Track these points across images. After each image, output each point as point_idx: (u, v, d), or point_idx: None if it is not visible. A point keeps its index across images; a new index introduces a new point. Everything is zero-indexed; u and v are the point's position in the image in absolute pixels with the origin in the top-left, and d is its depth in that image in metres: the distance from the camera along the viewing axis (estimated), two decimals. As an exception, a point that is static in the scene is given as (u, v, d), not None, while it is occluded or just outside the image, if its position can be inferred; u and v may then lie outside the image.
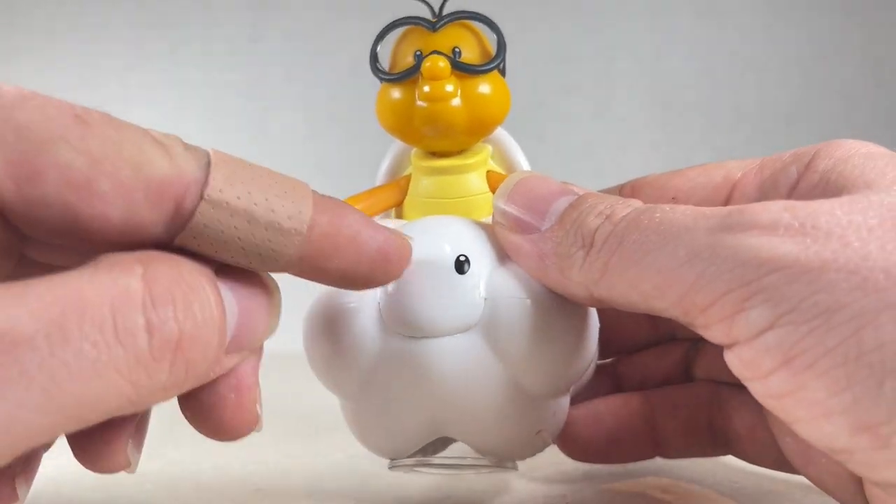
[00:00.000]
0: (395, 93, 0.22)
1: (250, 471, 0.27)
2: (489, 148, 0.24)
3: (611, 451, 0.25)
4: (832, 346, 0.14)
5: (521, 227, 0.20)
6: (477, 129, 0.22)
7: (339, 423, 0.33)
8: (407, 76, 0.22)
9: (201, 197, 0.16)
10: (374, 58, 0.23)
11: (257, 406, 0.18)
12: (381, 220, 0.23)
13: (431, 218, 0.22)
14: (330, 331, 0.21)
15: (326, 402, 0.34)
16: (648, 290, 0.17)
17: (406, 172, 0.24)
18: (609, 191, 0.23)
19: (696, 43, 0.59)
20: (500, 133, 0.24)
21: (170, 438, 0.31)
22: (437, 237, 0.20)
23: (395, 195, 0.24)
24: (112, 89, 0.59)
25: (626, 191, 0.23)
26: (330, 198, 0.19)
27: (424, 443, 0.21)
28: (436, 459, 0.23)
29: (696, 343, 0.26)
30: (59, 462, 0.29)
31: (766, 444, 0.23)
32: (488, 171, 0.23)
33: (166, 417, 0.31)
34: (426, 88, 0.21)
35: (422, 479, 0.26)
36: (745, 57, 0.58)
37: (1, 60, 0.59)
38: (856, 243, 0.15)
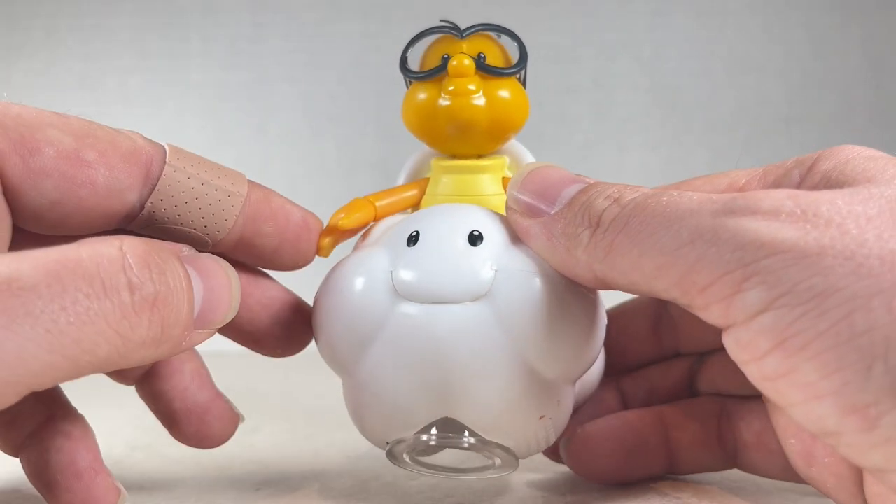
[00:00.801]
0: (421, 94, 0.23)
1: (250, 471, 0.27)
2: (506, 158, 0.25)
3: (625, 468, 0.25)
4: (824, 329, 0.15)
5: (533, 211, 0.20)
6: (496, 132, 0.24)
7: (340, 424, 0.33)
8: (434, 74, 0.23)
9: (165, 163, 0.21)
10: (403, 59, 0.24)
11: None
12: (397, 217, 0.24)
13: (447, 204, 0.23)
14: (339, 297, 0.21)
15: (326, 402, 0.34)
16: (650, 269, 0.17)
17: (425, 177, 0.25)
18: None
19: (696, 43, 0.59)
20: (517, 145, 0.25)
21: (170, 438, 0.31)
22: (452, 213, 0.21)
23: (414, 195, 0.25)
24: (112, 89, 0.59)
25: None
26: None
27: (425, 423, 0.21)
28: (433, 461, 0.23)
29: (700, 358, 0.26)
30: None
31: (774, 451, 0.23)
32: (504, 178, 0.24)
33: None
34: (451, 87, 0.22)
35: (422, 480, 0.26)
36: (745, 57, 0.58)
37: (1, 60, 0.59)
38: (854, 231, 0.15)
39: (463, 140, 0.24)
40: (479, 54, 0.23)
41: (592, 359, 0.22)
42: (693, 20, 0.59)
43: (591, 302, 0.21)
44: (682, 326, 0.26)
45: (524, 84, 0.24)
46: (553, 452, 0.26)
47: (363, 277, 0.21)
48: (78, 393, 0.27)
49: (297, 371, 0.50)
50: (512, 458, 0.21)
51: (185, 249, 0.19)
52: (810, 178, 0.20)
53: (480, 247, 0.20)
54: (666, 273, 0.17)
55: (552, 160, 0.25)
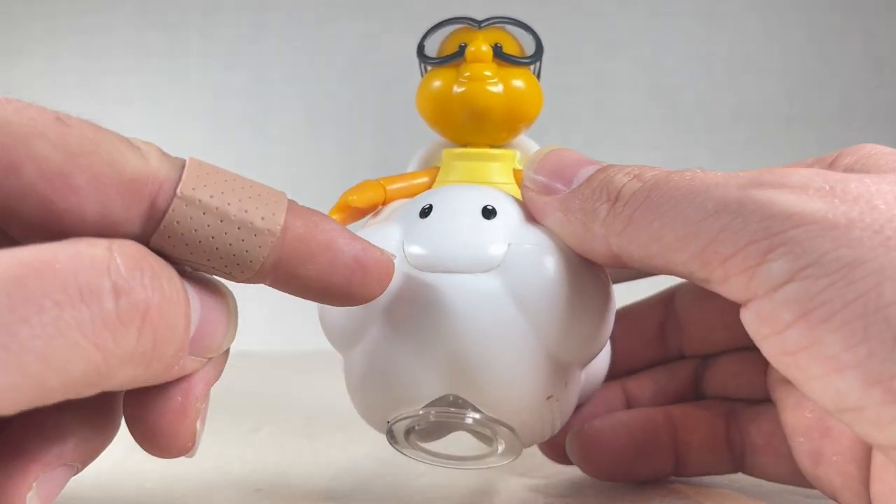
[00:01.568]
0: (437, 81, 0.23)
1: (250, 471, 0.27)
2: (517, 152, 0.25)
3: (634, 466, 0.24)
4: (851, 300, 0.15)
5: (549, 190, 0.20)
6: (510, 122, 0.23)
7: (340, 424, 0.33)
8: (451, 59, 0.23)
9: (175, 194, 0.16)
10: (421, 47, 0.24)
11: (198, 424, 0.18)
12: (402, 203, 0.23)
13: (461, 184, 0.23)
14: None
15: (327, 402, 0.34)
16: (671, 241, 0.17)
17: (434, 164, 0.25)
18: None
19: (696, 43, 0.59)
20: (527, 141, 0.25)
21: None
22: (466, 189, 0.22)
23: (425, 182, 0.24)
24: (112, 89, 0.59)
25: None
26: (307, 207, 0.18)
27: (428, 399, 0.20)
28: (434, 449, 0.22)
29: (705, 361, 0.26)
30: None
31: (783, 454, 0.23)
32: (515, 169, 0.24)
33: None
34: (467, 73, 0.22)
35: (422, 481, 0.26)
36: (745, 57, 0.58)
37: (1, 60, 0.59)
38: (882, 207, 0.15)
39: (476, 127, 0.23)
40: (496, 43, 0.23)
41: (603, 341, 0.22)
42: (693, 20, 0.59)
43: (603, 283, 0.21)
44: (687, 328, 0.26)
45: (538, 77, 0.24)
46: (556, 453, 0.26)
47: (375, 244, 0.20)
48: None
49: (297, 371, 0.50)
50: (515, 442, 0.21)
51: (182, 267, 0.16)
52: (834, 169, 0.19)
53: (494, 220, 0.20)
54: (687, 244, 0.17)
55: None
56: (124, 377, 0.15)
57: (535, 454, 0.28)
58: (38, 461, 0.17)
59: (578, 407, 0.23)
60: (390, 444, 0.21)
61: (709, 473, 0.25)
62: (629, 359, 0.27)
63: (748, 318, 0.16)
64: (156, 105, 0.59)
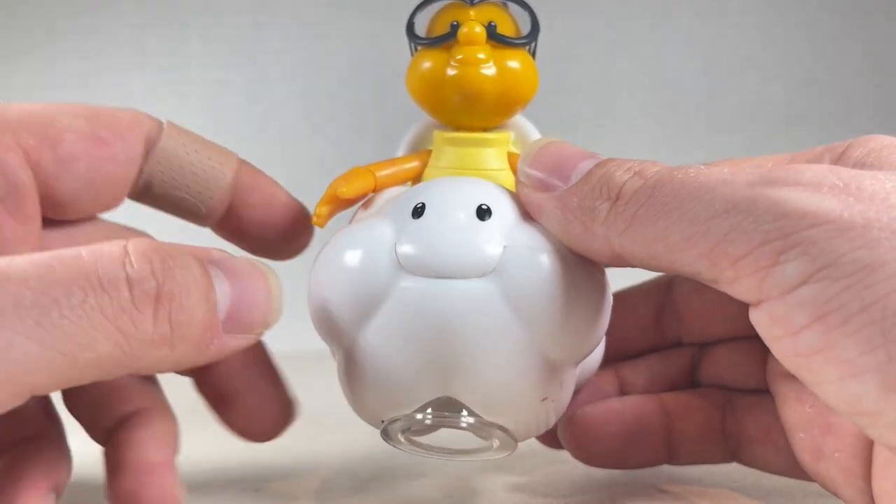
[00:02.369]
0: (427, 62, 0.22)
1: (250, 471, 0.27)
2: (511, 133, 0.24)
3: (626, 453, 0.24)
4: (869, 303, 0.14)
5: (545, 186, 0.20)
6: (504, 104, 0.22)
7: (340, 424, 0.33)
8: (442, 41, 0.22)
9: (161, 129, 0.23)
10: (410, 25, 0.23)
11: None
12: (398, 189, 0.23)
13: (454, 177, 0.22)
14: (338, 268, 0.20)
15: (327, 402, 0.34)
16: (677, 241, 0.17)
17: (427, 148, 0.24)
18: None
19: (696, 43, 0.59)
20: (522, 120, 0.24)
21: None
22: (460, 185, 0.21)
23: (416, 167, 0.24)
24: (112, 89, 0.59)
25: None
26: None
27: (423, 401, 0.20)
28: (429, 442, 0.22)
29: (702, 348, 0.26)
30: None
31: (780, 447, 0.23)
32: (509, 153, 0.23)
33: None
34: (460, 56, 0.21)
35: (421, 481, 0.26)
36: (745, 57, 0.58)
37: (1, 60, 0.59)
38: None
39: (469, 111, 0.22)
40: (489, 22, 0.22)
41: (598, 340, 0.21)
42: (693, 20, 0.59)
43: (599, 282, 0.21)
44: (685, 315, 0.26)
45: (534, 56, 0.23)
46: (548, 439, 0.25)
47: (365, 248, 0.20)
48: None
49: (297, 371, 0.50)
50: (510, 440, 0.21)
51: (217, 254, 0.18)
52: (842, 164, 0.19)
53: (489, 221, 0.20)
54: (694, 244, 0.16)
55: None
56: (151, 359, 0.16)
57: (534, 454, 0.28)
58: (36, 486, 0.20)
59: (573, 393, 0.23)
60: (385, 440, 0.21)
61: (702, 462, 0.25)
62: (624, 344, 0.26)
63: (759, 318, 0.16)
64: (156, 105, 0.59)
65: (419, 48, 0.23)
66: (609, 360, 0.26)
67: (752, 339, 0.19)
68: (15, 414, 0.20)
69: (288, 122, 0.59)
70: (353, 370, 0.21)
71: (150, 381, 0.24)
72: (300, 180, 0.66)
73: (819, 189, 0.15)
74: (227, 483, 0.26)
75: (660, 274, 0.26)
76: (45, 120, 0.21)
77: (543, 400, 0.21)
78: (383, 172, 0.23)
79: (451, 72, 0.22)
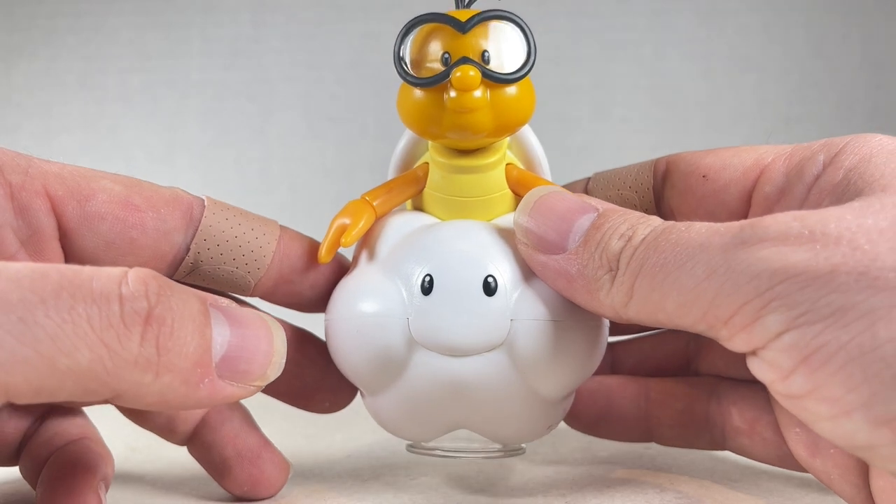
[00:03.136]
0: (419, 92, 0.22)
1: (250, 471, 0.27)
2: (506, 140, 0.23)
3: (599, 427, 0.26)
4: (846, 342, 0.15)
5: (545, 246, 0.20)
6: (503, 132, 0.22)
7: (340, 424, 0.33)
8: (436, 83, 0.21)
9: (204, 205, 0.23)
10: (399, 59, 0.22)
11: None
12: (400, 212, 0.24)
13: (456, 227, 0.22)
14: (357, 337, 0.22)
15: (326, 402, 0.33)
16: (673, 309, 0.18)
17: (422, 159, 0.24)
18: (643, 164, 0.25)
19: (696, 43, 0.59)
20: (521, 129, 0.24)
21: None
22: (463, 255, 0.21)
23: (413, 186, 0.24)
24: (112, 89, 0.59)
25: (660, 165, 0.25)
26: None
27: (443, 434, 0.23)
28: (449, 445, 0.24)
29: (698, 336, 0.26)
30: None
31: (768, 439, 0.23)
32: (507, 165, 0.23)
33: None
34: (453, 94, 0.21)
35: (421, 480, 0.26)
36: (745, 57, 0.58)
37: (1, 60, 0.59)
38: (866, 246, 0.15)
39: (465, 143, 0.22)
40: (482, 53, 0.21)
41: (595, 369, 0.23)
42: (693, 20, 0.59)
43: (601, 327, 0.22)
44: None
45: (533, 58, 0.22)
46: None
47: (380, 321, 0.21)
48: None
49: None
50: (518, 448, 0.24)
51: (224, 302, 0.18)
52: (832, 171, 0.20)
53: (495, 297, 0.21)
54: (689, 311, 0.17)
55: (552, 161, 0.25)
56: (133, 382, 0.16)
57: (534, 454, 0.28)
58: (89, 479, 0.22)
59: None
60: (409, 451, 0.25)
61: (685, 447, 0.26)
62: (623, 326, 0.26)
63: (755, 367, 0.17)
64: (156, 105, 0.59)
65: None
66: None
67: None
68: (66, 416, 0.24)
69: (288, 122, 0.59)
70: (376, 410, 0.23)
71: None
72: (300, 180, 0.66)
73: (785, 241, 0.16)
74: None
75: None
76: (81, 177, 0.22)
77: (548, 426, 0.23)
78: (380, 201, 0.23)
79: (446, 114, 0.21)
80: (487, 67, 0.21)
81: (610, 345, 0.27)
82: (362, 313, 0.21)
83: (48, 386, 0.15)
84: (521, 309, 0.21)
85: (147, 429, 0.25)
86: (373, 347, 0.21)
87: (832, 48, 0.58)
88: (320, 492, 0.25)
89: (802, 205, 0.21)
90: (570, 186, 0.27)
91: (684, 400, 0.25)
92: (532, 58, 0.22)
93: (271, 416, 0.35)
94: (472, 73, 0.20)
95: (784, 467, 0.23)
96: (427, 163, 0.24)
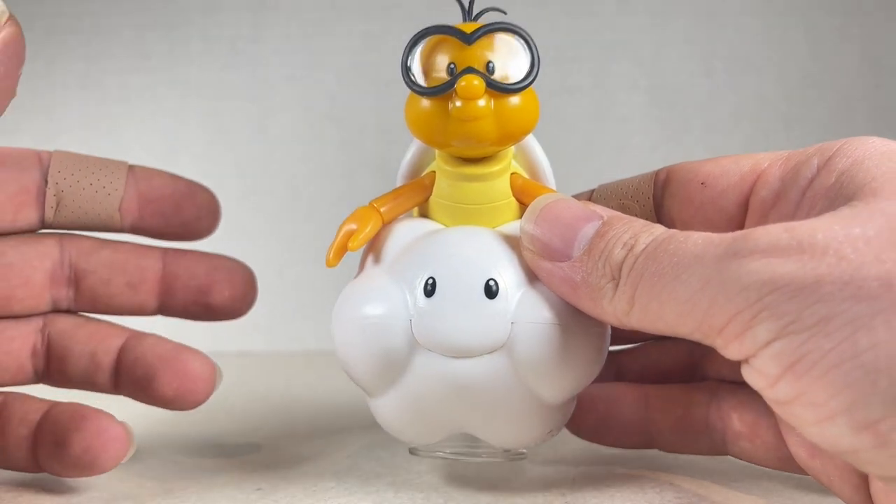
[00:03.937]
0: (426, 106, 0.22)
1: (251, 471, 0.27)
2: (511, 150, 0.24)
3: (600, 435, 0.26)
4: (828, 350, 0.15)
5: (550, 253, 0.21)
6: (507, 141, 0.23)
7: (340, 424, 0.33)
8: (441, 91, 0.22)
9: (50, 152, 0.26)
10: (406, 69, 0.22)
11: None
12: (406, 218, 0.24)
13: (461, 233, 0.23)
14: (361, 339, 0.22)
15: (327, 402, 0.34)
16: (671, 318, 0.18)
17: (430, 168, 0.25)
18: (644, 175, 0.25)
19: (696, 43, 0.59)
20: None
21: (171, 438, 0.31)
22: (466, 259, 0.22)
23: (420, 194, 0.24)
24: (112, 89, 0.59)
25: (661, 175, 0.25)
26: None
27: (445, 436, 0.24)
28: (451, 448, 0.25)
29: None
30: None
31: (769, 442, 0.23)
32: (511, 174, 0.24)
33: (167, 418, 0.31)
34: (458, 104, 0.22)
35: (422, 479, 0.26)
36: (744, 57, 0.58)
37: (1, 60, 0.59)
38: (851, 255, 0.16)
39: (470, 151, 0.23)
40: (487, 63, 0.22)
41: (597, 374, 0.23)
42: (693, 20, 0.59)
43: (603, 333, 0.23)
44: None
45: (536, 70, 0.23)
46: None
47: (384, 322, 0.22)
48: (78, 395, 0.27)
49: (297, 371, 0.50)
50: (520, 453, 0.25)
51: None
52: (825, 175, 0.20)
53: (497, 299, 0.21)
54: (686, 320, 0.18)
55: (551, 161, 0.26)
56: None
57: (534, 454, 0.28)
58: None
59: None
60: (411, 453, 0.26)
61: (688, 453, 0.26)
62: (626, 331, 0.27)
63: (747, 374, 0.18)
64: (156, 105, 0.59)
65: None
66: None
67: None
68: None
69: (288, 122, 0.59)
70: (379, 412, 0.24)
71: None
72: (300, 180, 0.66)
73: (775, 253, 0.16)
74: (227, 483, 0.26)
75: None
76: None
77: (549, 432, 0.24)
78: (387, 208, 0.24)
79: (451, 122, 0.22)
80: (492, 78, 0.22)
81: (615, 353, 0.27)
82: (366, 315, 0.22)
83: None
84: (522, 312, 0.21)
85: (74, 387, 0.26)
86: (376, 348, 0.22)
87: (832, 48, 0.58)
88: (321, 491, 0.25)
89: (797, 208, 0.21)
90: (573, 197, 0.27)
91: (683, 406, 0.26)
92: (535, 69, 0.22)
93: (271, 415, 0.36)
94: (477, 82, 0.21)
95: (785, 470, 0.24)
96: (434, 171, 0.24)
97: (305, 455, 0.29)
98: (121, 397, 0.26)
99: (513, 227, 0.23)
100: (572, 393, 0.23)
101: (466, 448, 0.25)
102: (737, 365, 0.25)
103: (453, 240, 0.23)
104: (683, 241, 0.18)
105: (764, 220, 0.22)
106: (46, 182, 0.25)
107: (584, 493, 0.24)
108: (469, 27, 0.22)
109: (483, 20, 0.23)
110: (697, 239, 0.18)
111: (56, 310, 0.26)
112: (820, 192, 0.20)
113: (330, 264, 0.23)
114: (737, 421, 0.24)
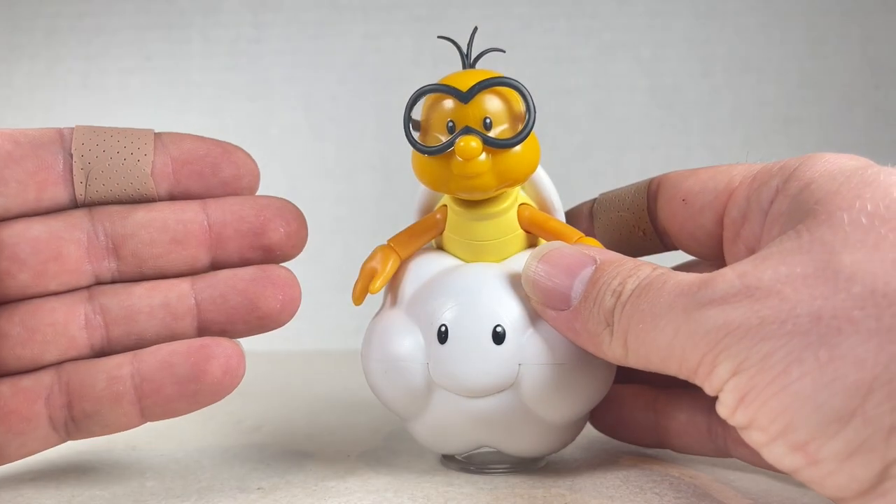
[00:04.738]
0: (429, 160, 0.24)
1: (250, 471, 0.27)
2: (518, 186, 0.26)
3: (617, 432, 0.28)
4: (769, 381, 0.17)
5: (553, 303, 0.23)
6: (508, 186, 0.25)
7: (340, 424, 0.33)
8: (441, 151, 0.23)
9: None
10: (408, 128, 0.24)
11: None
12: (424, 252, 0.26)
13: (470, 276, 0.24)
14: (386, 383, 0.25)
15: (328, 402, 0.34)
16: (658, 361, 0.20)
17: (442, 202, 0.26)
18: (639, 185, 0.27)
19: (696, 43, 0.59)
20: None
21: (171, 438, 0.31)
22: (475, 308, 0.24)
23: (433, 229, 0.26)
24: (112, 89, 0.59)
25: (653, 186, 0.27)
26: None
27: (472, 449, 0.26)
28: (479, 459, 0.27)
29: None
30: (63, 460, 0.30)
31: None
32: (520, 205, 0.25)
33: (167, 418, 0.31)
34: (459, 159, 0.23)
35: (422, 478, 0.26)
36: (744, 57, 0.58)
37: (2, 61, 0.59)
38: (791, 295, 0.18)
39: (475, 198, 0.25)
40: (484, 119, 0.23)
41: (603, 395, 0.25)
42: (692, 20, 0.59)
43: (606, 367, 0.24)
44: None
45: (532, 121, 0.23)
46: None
47: (404, 365, 0.24)
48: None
49: (297, 370, 0.50)
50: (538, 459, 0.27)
51: None
52: (782, 198, 0.22)
53: (504, 344, 0.23)
54: (669, 363, 0.20)
55: (552, 160, 0.26)
56: None
57: (534, 454, 0.28)
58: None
59: None
60: (442, 464, 0.27)
61: (695, 454, 0.27)
62: None
63: (718, 407, 0.19)
64: (157, 105, 0.59)
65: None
66: None
67: None
68: None
69: (288, 122, 0.59)
70: (412, 431, 0.26)
71: None
72: (300, 180, 0.66)
73: (728, 301, 0.19)
74: (227, 483, 0.26)
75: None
76: None
77: (565, 443, 0.26)
78: (405, 247, 0.26)
79: (454, 176, 0.23)
80: (488, 135, 0.23)
81: None
82: (388, 357, 0.24)
83: None
84: (528, 354, 0.23)
85: (149, 345, 0.25)
86: (400, 387, 0.24)
87: (832, 48, 0.58)
88: (321, 491, 0.25)
89: (762, 229, 0.22)
90: (577, 208, 0.29)
91: (687, 410, 0.26)
92: (531, 120, 0.23)
93: (271, 414, 0.36)
94: (474, 143, 0.22)
95: (787, 474, 0.24)
96: (446, 206, 0.26)
97: (306, 455, 0.29)
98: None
99: (521, 259, 0.25)
100: (581, 415, 0.25)
101: (493, 458, 0.27)
102: None
103: (462, 285, 0.24)
104: (660, 287, 0.20)
105: (737, 238, 0.24)
106: (73, 157, 0.24)
107: (584, 494, 0.24)
108: (466, 80, 0.23)
109: (481, 66, 0.24)
110: (672, 287, 0.20)
111: (100, 283, 0.25)
112: (776, 218, 0.21)
113: (357, 303, 0.26)
114: (735, 430, 0.24)
